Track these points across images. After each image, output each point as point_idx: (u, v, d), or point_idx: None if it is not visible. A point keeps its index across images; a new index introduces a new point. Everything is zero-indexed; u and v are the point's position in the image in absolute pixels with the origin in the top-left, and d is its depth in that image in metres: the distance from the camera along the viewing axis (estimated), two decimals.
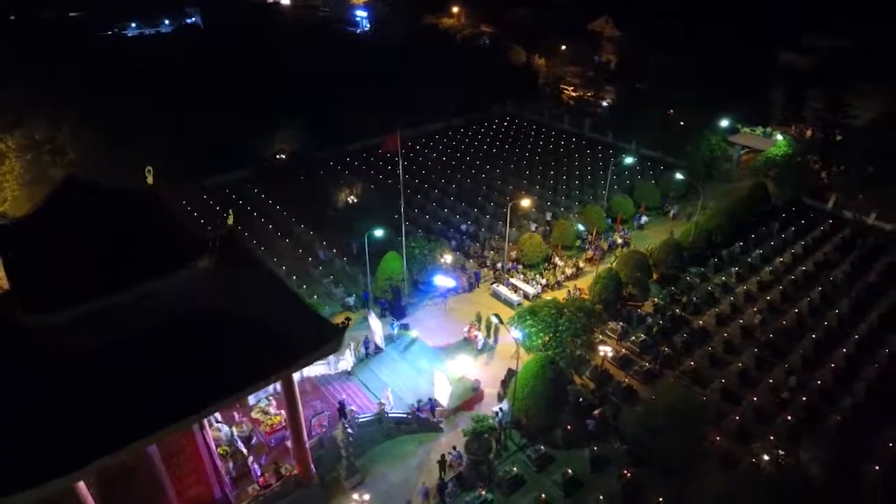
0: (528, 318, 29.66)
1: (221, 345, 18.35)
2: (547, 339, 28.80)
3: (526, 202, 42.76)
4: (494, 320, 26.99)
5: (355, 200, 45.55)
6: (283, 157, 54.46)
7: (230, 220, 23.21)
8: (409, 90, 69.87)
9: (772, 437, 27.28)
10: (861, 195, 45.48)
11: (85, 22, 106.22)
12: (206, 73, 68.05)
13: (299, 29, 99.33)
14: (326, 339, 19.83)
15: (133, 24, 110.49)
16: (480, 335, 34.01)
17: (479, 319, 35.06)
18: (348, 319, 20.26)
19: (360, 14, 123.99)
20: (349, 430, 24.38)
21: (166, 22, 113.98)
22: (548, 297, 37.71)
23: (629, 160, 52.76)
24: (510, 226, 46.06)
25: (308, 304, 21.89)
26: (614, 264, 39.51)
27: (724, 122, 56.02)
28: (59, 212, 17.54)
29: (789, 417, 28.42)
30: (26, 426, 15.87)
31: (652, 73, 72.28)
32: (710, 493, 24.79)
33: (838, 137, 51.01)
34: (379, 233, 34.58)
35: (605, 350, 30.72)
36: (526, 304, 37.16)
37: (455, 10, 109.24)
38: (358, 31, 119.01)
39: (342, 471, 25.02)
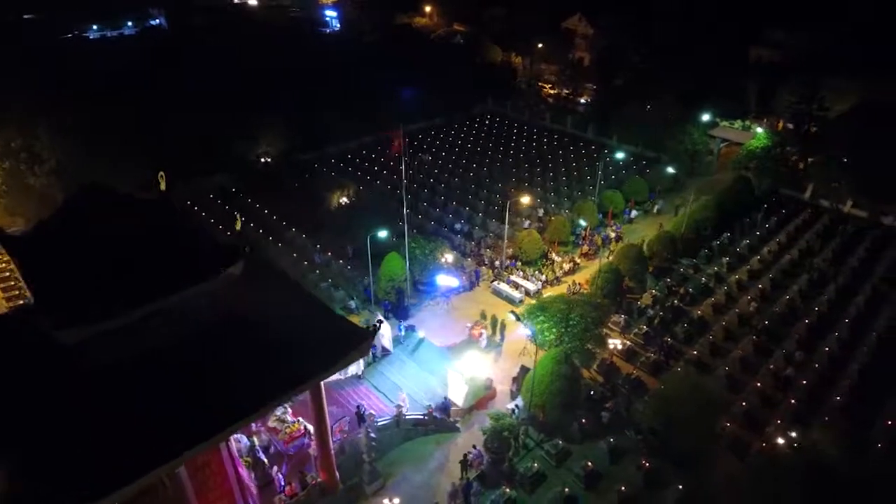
0: (538, 314, 29.79)
1: (252, 354, 17.91)
2: (559, 334, 28.98)
3: (525, 199, 42.94)
4: (512, 318, 27.05)
5: (347, 202, 44.98)
6: (268, 160, 53.37)
7: (238, 226, 22.65)
8: (388, 90, 69.48)
9: (779, 421, 28.10)
10: (840, 184, 47.19)
11: (42, 25, 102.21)
12: (176, 76, 66.30)
13: (269, 30, 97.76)
14: (356, 343, 19.55)
15: (94, 27, 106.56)
16: (485, 333, 33.96)
17: (483, 318, 35.08)
18: (380, 322, 20.00)
19: (330, 14, 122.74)
20: (372, 435, 24.11)
21: (129, 24, 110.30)
22: (547, 293, 38.15)
23: (620, 155, 53.62)
24: (504, 223, 46.37)
25: (332, 309, 21.51)
26: (610, 258, 40.15)
27: (706, 117, 57.40)
28: (81, 221, 16.80)
29: (793, 401, 29.38)
30: (58, 448, 15.19)
31: (627, 69, 73.67)
32: (728, 480, 25.59)
33: (813, 129, 52.84)
34: (383, 234, 34.25)
35: (615, 343, 31.13)
36: (528, 300, 37.45)
37: (428, 9, 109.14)
38: (328, 30, 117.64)
39: (364, 476, 24.71)
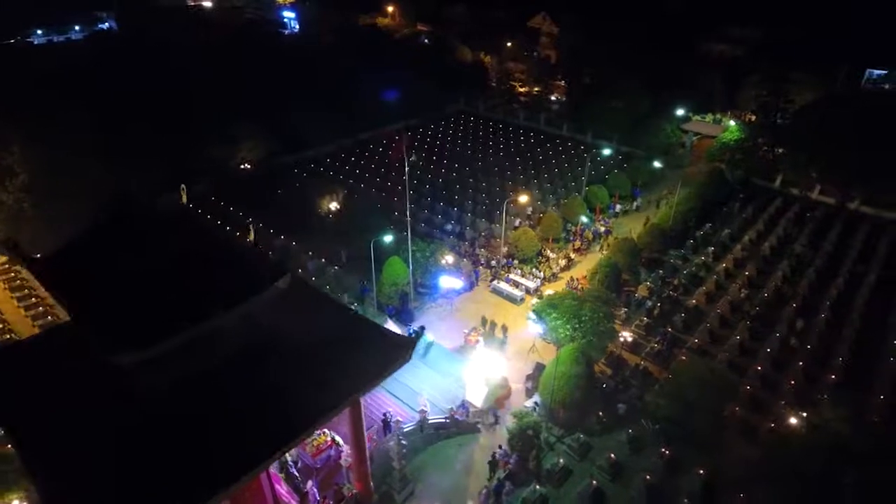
0: (550, 311, 30.14)
1: (298, 370, 17.47)
2: (572, 329, 29.41)
3: (524, 198, 43.27)
4: (533, 317, 27.33)
5: (338, 207, 44.29)
6: (248, 165, 52.01)
7: (251, 237, 22.05)
8: (360, 92, 68.66)
9: (783, 402, 29.37)
10: (814, 174, 49.54)
11: None
12: (136, 82, 63.51)
13: (227, 31, 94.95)
14: (400, 351, 19.38)
15: (39, 32, 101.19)
16: (482, 340, 33.89)
17: (483, 323, 35.13)
18: (422, 328, 19.87)
19: (288, 15, 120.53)
20: (403, 442, 23.94)
21: (76, 28, 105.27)
22: (546, 289, 38.61)
23: (607, 151, 54.74)
24: (493, 222, 46.69)
25: (368, 318, 21.22)
26: (604, 252, 41.01)
27: (680, 111, 59.23)
28: (115, 238, 16.05)
29: (793, 381, 30.78)
30: (111, 477, 14.48)
31: (593, 67, 75.02)
32: (745, 462, 26.56)
33: (778, 121, 55.27)
34: (388, 238, 33.93)
35: (625, 335, 31.85)
36: (528, 298, 37.86)
37: (390, 9, 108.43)
38: (287, 31, 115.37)
39: (394, 483, 24.52)
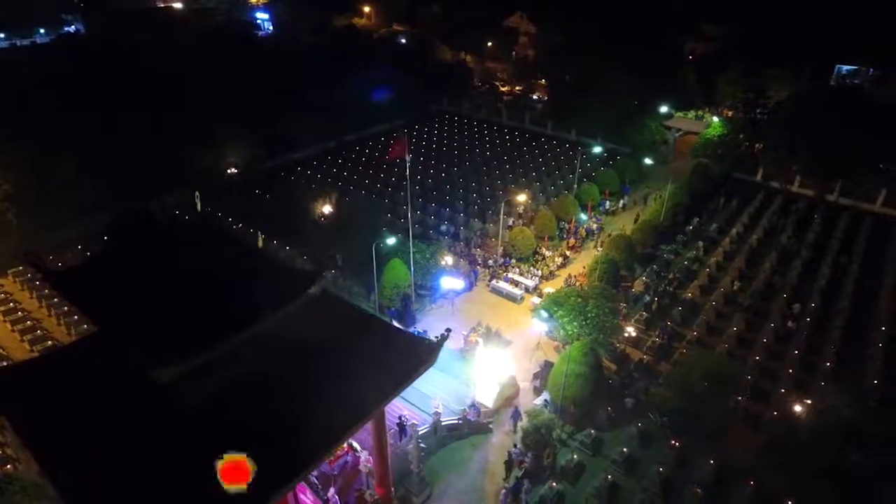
0: (556, 309, 30.38)
1: (328, 379, 17.26)
2: (579, 326, 29.71)
3: (521, 197, 43.47)
4: (544, 314, 27.50)
5: (330, 210, 43.80)
6: (236, 170, 51.13)
7: (260, 243, 21.71)
8: (340, 93, 67.93)
9: (783, 391, 30.19)
10: (794, 167, 50.97)
11: None
12: (109, 85, 61.69)
13: (199, 32, 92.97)
14: (426, 355, 19.32)
15: (1, 35, 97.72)
16: (481, 340, 33.99)
17: (480, 325, 35.26)
18: (448, 330, 19.84)
19: (262, 16, 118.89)
20: (421, 445, 23.88)
21: (41, 31, 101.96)
22: (544, 287, 38.95)
23: (598, 150, 55.34)
24: (485, 221, 46.86)
25: (391, 323, 21.08)
26: (600, 249, 41.49)
27: (664, 108, 60.24)
28: (139, 250, 15.63)
29: (791, 371, 31.65)
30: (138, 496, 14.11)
31: (573, 66, 75.63)
32: (753, 450, 27.24)
33: (758, 116, 56.73)
34: (391, 241, 33.75)
35: (629, 331, 32.27)
36: (528, 297, 38.10)
37: (366, 9, 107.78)
38: (261, 33, 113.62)
39: (412, 487, 24.43)
